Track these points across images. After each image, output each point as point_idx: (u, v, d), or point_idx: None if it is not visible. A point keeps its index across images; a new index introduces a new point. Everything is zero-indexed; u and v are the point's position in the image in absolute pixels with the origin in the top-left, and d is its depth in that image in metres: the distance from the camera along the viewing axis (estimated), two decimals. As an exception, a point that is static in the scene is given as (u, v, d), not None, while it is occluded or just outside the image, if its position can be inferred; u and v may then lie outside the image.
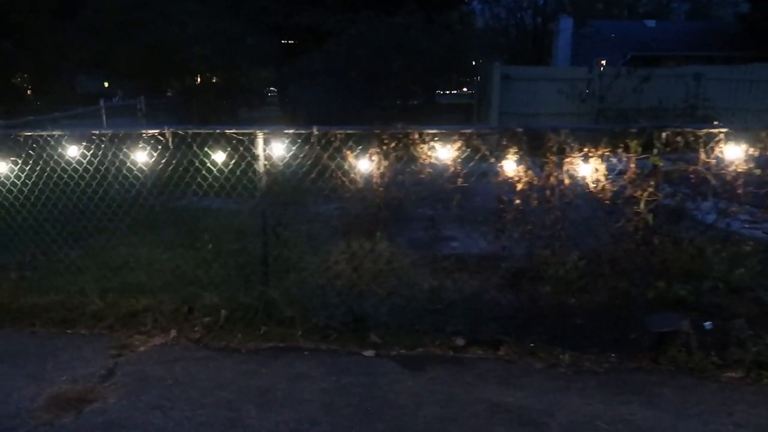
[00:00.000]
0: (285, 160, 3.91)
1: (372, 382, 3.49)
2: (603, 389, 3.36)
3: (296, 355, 3.85)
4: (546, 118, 14.13)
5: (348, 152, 3.81)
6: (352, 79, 12.83)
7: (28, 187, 4.51)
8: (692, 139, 3.41)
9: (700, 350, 3.51)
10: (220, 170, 4.09)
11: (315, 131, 3.77)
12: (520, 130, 3.53)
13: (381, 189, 3.82)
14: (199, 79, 12.39)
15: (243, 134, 3.93)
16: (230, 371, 3.66)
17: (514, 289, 4.73)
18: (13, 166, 4.34)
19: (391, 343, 3.92)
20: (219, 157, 4.07)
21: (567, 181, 3.57)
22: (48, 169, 4.40)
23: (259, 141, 3.89)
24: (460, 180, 3.71)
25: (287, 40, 13.64)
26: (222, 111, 11.94)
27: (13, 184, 4.48)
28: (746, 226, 6.20)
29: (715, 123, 3.42)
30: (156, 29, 11.66)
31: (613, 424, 3.02)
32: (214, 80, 12.36)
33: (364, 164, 3.78)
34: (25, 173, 4.42)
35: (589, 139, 3.47)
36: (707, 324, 3.58)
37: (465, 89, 27.57)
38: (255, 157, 3.92)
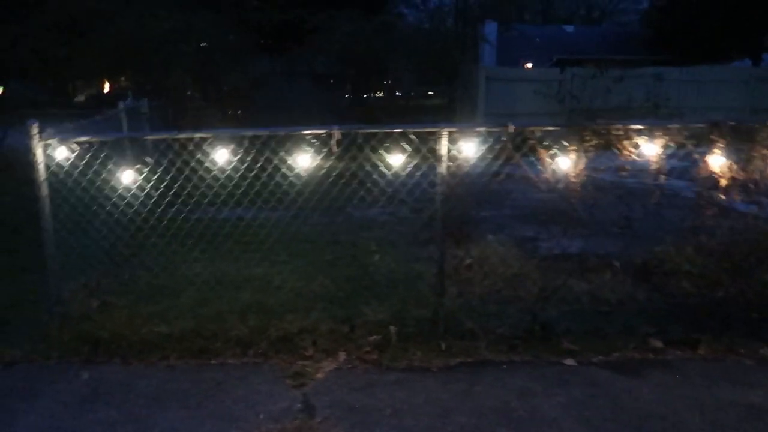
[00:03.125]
0: (471, 161, 3.62)
1: (605, 393, 3.30)
2: (832, 381, 3.38)
3: (495, 369, 3.58)
4: (523, 118, 14.45)
5: (542, 150, 3.59)
6: (342, 77, 12.51)
7: (154, 198, 3.90)
8: None
9: None
10: (392, 174, 3.73)
11: (511, 128, 3.52)
12: (731, 124, 3.48)
13: (577, 187, 3.63)
14: (176, 80, 11.51)
15: (425, 133, 3.61)
16: (442, 392, 3.34)
17: (651, 285, 4.72)
18: (137, 174, 3.73)
19: (586, 350, 3.75)
20: (389, 159, 3.72)
21: (769, 174, 3.56)
22: (181, 177, 3.82)
23: (443, 140, 3.58)
24: (663, 177, 3.60)
25: (266, 38, 12.98)
26: (207, 113, 11.17)
27: (134, 195, 3.86)
28: None
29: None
30: (128, 24, 10.73)
31: None
32: (191, 81, 11.52)
33: (563, 162, 3.57)
34: (151, 182, 3.82)
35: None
36: None
37: (430, 92, 27.59)
38: (438, 158, 3.61)
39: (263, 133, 3.60)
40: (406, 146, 3.64)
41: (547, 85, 14.71)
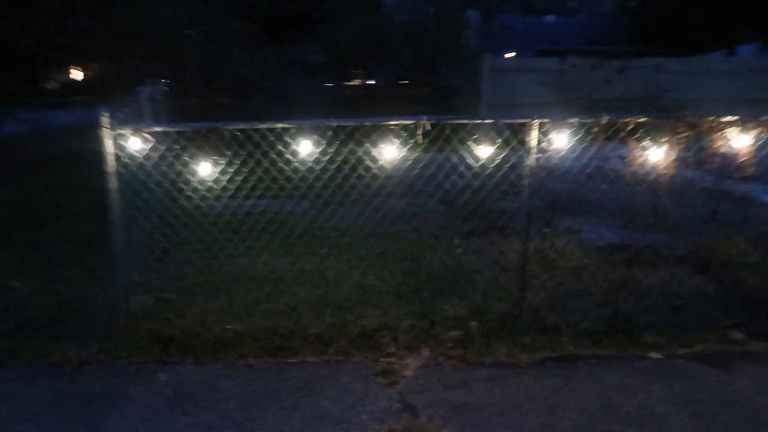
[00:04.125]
0: (561, 153, 3.55)
1: (704, 387, 3.28)
2: None
3: (584, 364, 3.53)
4: (525, 108, 14.43)
5: (633, 142, 3.54)
6: (334, 67, 12.32)
7: (230, 192, 3.74)
8: None
9: None
10: (480, 166, 3.64)
11: (604, 120, 3.46)
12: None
13: (666, 180, 3.59)
14: (183, 67, 11.18)
15: (516, 124, 3.52)
16: (540, 389, 3.28)
17: (710, 277, 4.72)
18: (213, 167, 3.57)
19: (670, 343, 3.72)
20: (472, 151, 3.63)
21: None
22: (260, 170, 3.67)
23: (534, 132, 3.50)
24: (752, 169, 3.58)
25: (273, 27, 12.66)
26: (215, 105, 10.90)
27: (208, 190, 3.70)
28: None
29: None
30: (134, 10, 10.37)
31: None
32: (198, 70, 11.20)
33: (656, 154, 3.53)
34: (227, 175, 3.66)
35: None
36: None
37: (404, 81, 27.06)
38: (528, 150, 3.52)
39: (349, 123, 3.48)
40: (496, 137, 3.55)
41: (547, 76, 14.73)
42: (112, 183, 3.49)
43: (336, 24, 11.52)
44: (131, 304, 3.82)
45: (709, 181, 6.60)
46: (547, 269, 3.88)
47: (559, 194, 7.68)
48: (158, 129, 3.44)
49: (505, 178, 3.80)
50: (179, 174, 3.59)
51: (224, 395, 3.26)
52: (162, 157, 3.53)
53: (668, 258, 5.04)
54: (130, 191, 3.58)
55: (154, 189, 3.69)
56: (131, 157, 3.50)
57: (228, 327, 3.74)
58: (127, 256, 3.69)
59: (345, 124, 3.47)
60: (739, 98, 16.18)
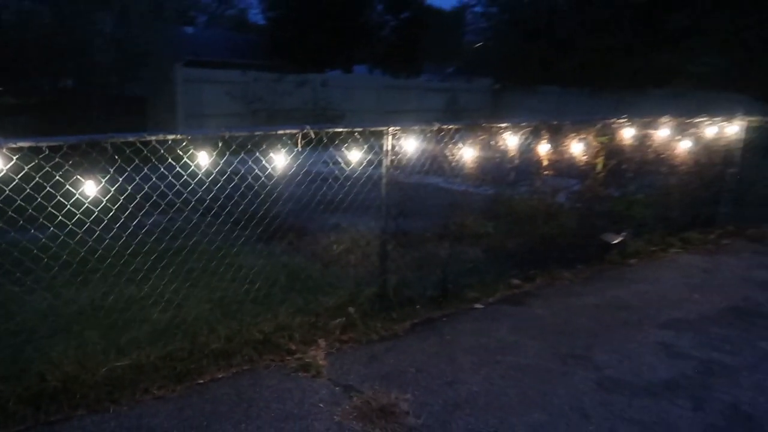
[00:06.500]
0: (408, 156, 4.32)
1: (522, 320, 4.50)
2: (604, 282, 5.36)
3: (441, 323, 4.39)
4: (217, 119, 14.58)
5: (452, 144, 4.56)
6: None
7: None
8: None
9: (619, 252, 5.92)
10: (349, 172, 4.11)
11: (436, 126, 4.37)
12: (554, 123, 5.08)
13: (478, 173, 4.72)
14: None
15: (374, 132, 4.14)
16: (430, 348, 3.98)
17: (471, 244, 6.16)
18: (94, 183, 3.07)
19: (482, 295, 4.88)
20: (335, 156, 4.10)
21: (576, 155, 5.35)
22: (149, 186, 3.30)
23: (388, 138, 4.18)
24: (516, 162, 4.99)
25: None
26: None
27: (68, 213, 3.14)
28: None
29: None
30: None
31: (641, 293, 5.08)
32: None
33: (468, 153, 4.61)
34: (108, 195, 3.18)
35: (581, 128, 5.32)
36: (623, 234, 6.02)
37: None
38: (385, 153, 4.18)
39: (241, 133, 3.53)
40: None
41: (234, 87, 15.21)
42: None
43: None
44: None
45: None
46: (400, 253, 4.60)
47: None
48: (25, 144, 2.85)
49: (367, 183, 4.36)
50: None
51: (162, 434, 2.99)
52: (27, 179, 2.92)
53: (436, 236, 6.32)
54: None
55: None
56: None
57: (118, 364, 3.31)
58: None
59: (236, 134, 3.50)
60: (379, 109, 19.55)
